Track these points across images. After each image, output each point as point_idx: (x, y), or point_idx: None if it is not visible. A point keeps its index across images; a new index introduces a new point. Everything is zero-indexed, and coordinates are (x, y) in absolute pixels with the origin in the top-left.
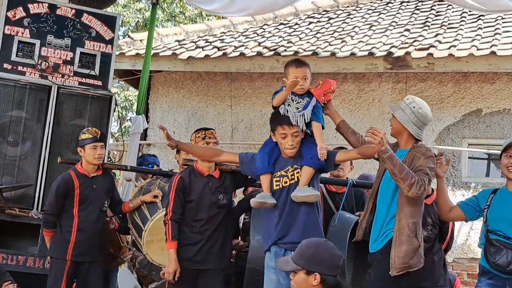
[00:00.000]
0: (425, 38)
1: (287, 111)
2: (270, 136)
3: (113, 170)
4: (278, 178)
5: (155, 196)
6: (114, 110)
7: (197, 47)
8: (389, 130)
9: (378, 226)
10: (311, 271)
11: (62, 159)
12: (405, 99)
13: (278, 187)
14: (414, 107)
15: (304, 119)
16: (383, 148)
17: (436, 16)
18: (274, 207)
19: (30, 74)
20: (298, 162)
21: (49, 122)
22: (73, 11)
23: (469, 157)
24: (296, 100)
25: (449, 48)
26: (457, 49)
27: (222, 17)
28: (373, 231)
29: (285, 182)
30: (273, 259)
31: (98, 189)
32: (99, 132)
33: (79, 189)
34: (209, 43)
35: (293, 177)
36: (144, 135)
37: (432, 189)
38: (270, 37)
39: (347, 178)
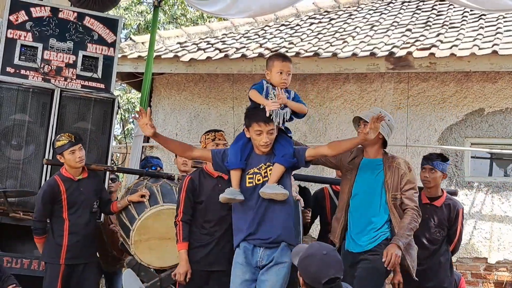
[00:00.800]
0: (427, 38)
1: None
2: (243, 131)
3: (117, 173)
4: (251, 175)
5: (142, 196)
6: (117, 113)
7: (199, 49)
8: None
9: (366, 229)
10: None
11: (48, 160)
12: (377, 111)
13: (251, 184)
14: (388, 120)
15: (284, 117)
16: (400, 247)
17: (437, 15)
18: (246, 204)
19: (33, 78)
20: (271, 159)
21: (52, 125)
22: (75, 14)
23: (471, 157)
24: (277, 95)
25: (450, 47)
26: (459, 49)
27: (224, 19)
28: (358, 234)
29: (258, 180)
30: (242, 255)
31: (85, 192)
32: (73, 135)
33: (66, 194)
34: (210, 45)
35: (266, 174)
36: (147, 138)
37: (442, 190)
38: (271, 38)
39: None
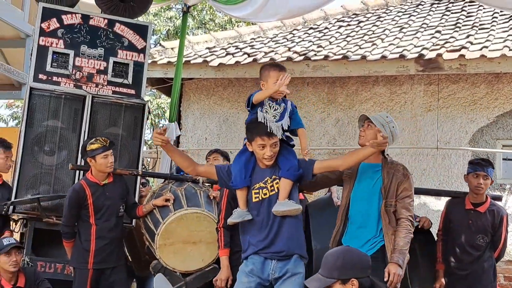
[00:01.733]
0: (457, 40)
1: (266, 120)
2: (245, 145)
3: (147, 178)
4: (257, 190)
5: (167, 200)
6: (147, 118)
7: (228, 53)
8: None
9: (363, 236)
10: (346, 279)
11: (73, 166)
12: (384, 117)
13: (257, 199)
14: (393, 127)
15: (282, 128)
16: (400, 266)
17: (467, 17)
18: (255, 220)
19: (64, 84)
20: (276, 172)
21: (84, 131)
22: (106, 21)
23: (503, 159)
24: (273, 107)
25: (481, 49)
26: (489, 50)
27: (252, 23)
28: (355, 240)
29: (265, 194)
30: (250, 266)
31: (111, 196)
32: (108, 140)
33: (92, 198)
34: (239, 50)
35: (272, 188)
36: (176, 142)
37: (486, 196)
38: (299, 42)
39: None
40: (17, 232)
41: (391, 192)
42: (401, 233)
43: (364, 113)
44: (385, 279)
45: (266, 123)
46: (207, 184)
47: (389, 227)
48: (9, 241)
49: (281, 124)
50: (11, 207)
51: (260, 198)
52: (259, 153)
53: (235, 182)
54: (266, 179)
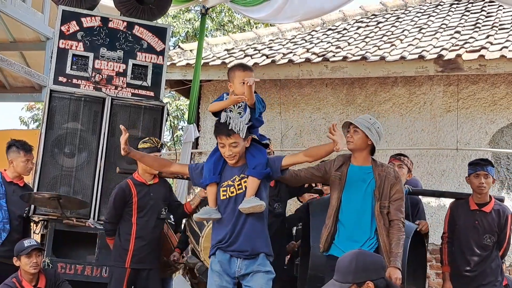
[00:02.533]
0: (476, 40)
1: (229, 118)
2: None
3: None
4: (225, 188)
5: None
6: (166, 120)
7: (246, 55)
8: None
9: (359, 238)
10: (361, 282)
11: (120, 169)
12: (368, 119)
13: (224, 197)
14: (378, 127)
15: (243, 123)
16: (399, 269)
17: (486, 17)
18: (222, 217)
19: (84, 87)
20: (245, 171)
21: (104, 133)
22: (125, 23)
23: None
24: (237, 105)
25: (500, 49)
26: (509, 50)
27: (270, 25)
28: (350, 242)
29: (232, 192)
30: (217, 264)
31: (155, 197)
32: (159, 141)
33: (136, 197)
34: (257, 51)
35: (240, 186)
36: (195, 144)
37: (490, 196)
38: (318, 43)
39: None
40: (38, 234)
41: (385, 194)
42: (396, 236)
43: (383, 114)
44: None
45: (229, 122)
46: None
47: (384, 228)
48: (29, 242)
49: (242, 120)
50: (32, 208)
51: (227, 196)
52: (221, 152)
53: (203, 179)
54: (234, 177)
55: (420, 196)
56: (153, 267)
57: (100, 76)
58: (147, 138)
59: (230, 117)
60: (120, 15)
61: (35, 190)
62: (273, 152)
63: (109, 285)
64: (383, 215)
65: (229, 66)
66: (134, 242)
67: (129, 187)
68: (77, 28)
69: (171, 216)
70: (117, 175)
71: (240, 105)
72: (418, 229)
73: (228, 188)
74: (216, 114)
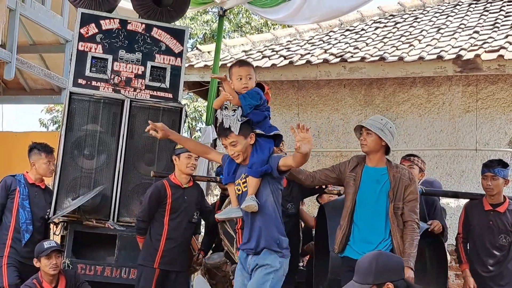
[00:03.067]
0: (495, 40)
1: (223, 115)
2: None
3: None
4: (238, 187)
5: None
6: (185, 122)
7: (264, 56)
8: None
9: (374, 239)
10: (381, 283)
11: (155, 173)
12: (379, 120)
13: (239, 193)
14: (390, 127)
15: (237, 119)
16: (412, 269)
17: (505, 17)
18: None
19: (103, 89)
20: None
21: (123, 134)
22: (143, 26)
23: None
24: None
25: None
26: None
27: (288, 26)
28: (365, 243)
29: (239, 190)
30: (240, 264)
31: (188, 200)
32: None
33: (171, 198)
34: (275, 52)
35: (245, 185)
36: (213, 145)
37: (504, 196)
38: (336, 43)
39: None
40: (58, 235)
41: (399, 195)
42: (410, 237)
43: (401, 115)
44: None
45: (222, 121)
46: None
47: (398, 230)
48: (49, 244)
49: (236, 116)
50: (52, 210)
51: (239, 194)
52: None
53: (223, 178)
54: (241, 176)
55: None
56: (182, 269)
57: (119, 78)
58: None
59: (223, 116)
60: (139, 18)
61: (55, 192)
62: (285, 152)
63: (137, 284)
64: (397, 216)
65: None
66: (164, 243)
67: (165, 188)
68: (96, 30)
69: None
70: (136, 177)
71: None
72: (429, 229)
73: (239, 186)
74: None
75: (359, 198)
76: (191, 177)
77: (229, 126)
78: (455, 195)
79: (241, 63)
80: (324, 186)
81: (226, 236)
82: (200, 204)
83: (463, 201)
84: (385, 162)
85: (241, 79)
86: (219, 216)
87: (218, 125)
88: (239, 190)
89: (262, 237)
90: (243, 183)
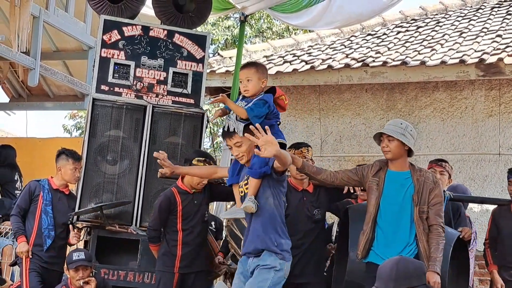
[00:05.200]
0: None
1: (229, 120)
2: None
3: None
4: (240, 188)
5: None
6: (206, 127)
7: (285, 61)
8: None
9: (398, 244)
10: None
11: (162, 174)
12: (399, 124)
13: (241, 194)
14: (411, 130)
15: (239, 120)
16: (438, 274)
17: None
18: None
19: (126, 95)
20: None
21: (145, 140)
22: (165, 32)
23: None
24: (241, 105)
25: None
26: None
27: (309, 31)
28: (388, 248)
29: (241, 192)
30: (241, 267)
31: (199, 203)
32: (214, 161)
33: (181, 205)
34: (296, 57)
35: (247, 186)
36: None
37: None
38: (357, 48)
39: (444, 191)
40: (81, 240)
41: (423, 199)
42: (435, 241)
43: (424, 119)
44: None
45: (227, 124)
46: None
47: (424, 234)
48: (78, 256)
49: (235, 116)
50: (76, 216)
51: (242, 195)
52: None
53: (228, 179)
54: (244, 177)
55: None
56: (200, 269)
57: (141, 84)
58: (203, 159)
59: (229, 118)
60: (161, 24)
61: (78, 197)
62: (312, 159)
63: None
64: (422, 220)
65: (268, 72)
66: (181, 248)
67: (174, 196)
68: (119, 37)
69: (212, 223)
70: (158, 182)
71: (244, 104)
72: (461, 236)
73: (243, 187)
74: None
75: (383, 203)
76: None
77: (231, 127)
78: (483, 201)
79: (242, 66)
80: (352, 191)
81: (233, 238)
82: (211, 198)
83: (487, 206)
84: (408, 165)
85: (241, 82)
86: (224, 215)
87: (222, 128)
88: (241, 192)
89: (260, 239)
90: (245, 184)
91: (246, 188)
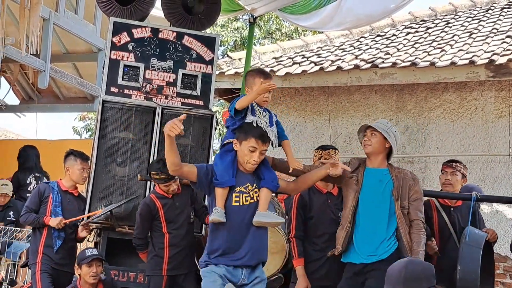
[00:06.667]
0: None
1: (261, 123)
2: (226, 144)
3: None
4: (238, 194)
5: None
6: (216, 128)
7: (294, 63)
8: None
9: (376, 239)
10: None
11: (142, 177)
12: (385, 123)
13: (237, 203)
14: (395, 131)
15: (274, 135)
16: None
17: None
18: (227, 223)
19: (135, 97)
20: (257, 181)
21: (155, 142)
22: (175, 34)
23: None
24: (262, 113)
25: None
26: None
27: (318, 32)
28: (366, 244)
29: (246, 200)
30: (222, 269)
31: (181, 205)
32: (166, 176)
33: (162, 210)
34: (305, 59)
35: (253, 196)
36: None
37: None
38: (367, 49)
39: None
40: (91, 242)
41: (403, 194)
42: (417, 235)
43: (433, 120)
44: None
45: (264, 128)
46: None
47: (406, 228)
48: (91, 252)
49: (273, 131)
50: (85, 218)
51: (241, 204)
52: (247, 155)
53: (221, 179)
54: (247, 185)
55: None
56: (189, 270)
57: (151, 86)
58: (159, 172)
59: (261, 123)
60: (170, 26)
61: (88, 199)
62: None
63: None
64: (404, 216)
65: (277, 74)
66: (168, 251)
67: (153, 202)
68: (128, 39)
69: None
70: None
71: (264, 115)
72: (487, 239)
73: (241, 194)
74: (237, 113)
75: (362, 198)
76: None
77: (270, 135)
78: (510, 201)
79: (266, 74)
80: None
81: None
82: (193, 202)
83: (497, 207)
84: (386, 164)
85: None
86: (217, 217)
87: (250, 126)
88: (246, 201)
89: (260, 251)
90: (252, 193)
91: (251, 198)
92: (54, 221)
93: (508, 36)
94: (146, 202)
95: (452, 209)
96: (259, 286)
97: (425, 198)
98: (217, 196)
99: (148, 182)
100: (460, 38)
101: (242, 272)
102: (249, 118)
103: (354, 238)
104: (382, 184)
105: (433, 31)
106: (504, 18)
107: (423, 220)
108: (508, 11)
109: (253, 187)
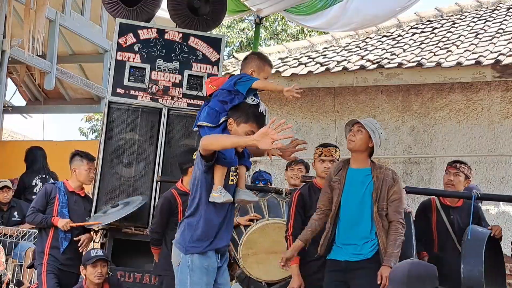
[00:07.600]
0: None
1: (262, 108)
2: (226, 122)
3: None
4: (231, 177)
5: (251, 220)
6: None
7: (300, 63)
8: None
9: (358, 240)
10: None
11: (160, 178)
12: (373, 123)
13: (232, 182)
14: (381, 133)
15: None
16: (387, 269)
17: None
18: (220, 206)
19: (141, 98)
20: (239, 160)
21: (161, 143)
22: (180, 35)
23: None
24: (253, 100)
25: None
26: None
27: (324, 32)
28: (349, 246)
29: (232, 181)
30: (209, 259)
31: None
32: None
33: (182, 207)
34: (311, 59)
35: (236, 174)
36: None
37: None
38: (373, 50)
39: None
40: (98, 243)
41: (383, 195)
42: (393, 237)
43: (439, 121)
44: (378, 282)
45: (264, 112)
46: (289, 195)
47: (383, 230)
48: (96, 252)
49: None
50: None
51: (234, 182)
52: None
53: (229, 159)
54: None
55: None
56: None
57: (157, 87)
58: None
59: (263, 107)
60: (176, 27)
61: (94, 200)
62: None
63: None
64: (382, 217)
65: (283, 74)
66: None
67: (175, 197)
68: (134, 40)
69: None
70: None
71: (255, 100)
72: (491, 234)
73: (232, 174)
74: (250, 92)
75: (344, 200)
76: None
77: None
78: (511, 199)
79: (271, 65)
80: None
81: (232, 242)
82: None
83: (503, 207)
84: (369, 163)
85: (266, 79)
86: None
87: (254, 110)
88: (232, 181)
89: (230, 233)
90: (235, 174)
91: (236, 176)
92: (61, 222)
93: None
94: (168, 196)
95: (452, 209)
96: (226, 273)
97: (427, 197)
98: (219, 175)
99: (154, 185)
100: (466, 38)
101: (218, 256)
102: (255, 101)
103: (337, 239)
104: (363, 186)
105: (439, 32)
106: (510, 19)
107: (402, 221)
108: None
109: (237, 167)
